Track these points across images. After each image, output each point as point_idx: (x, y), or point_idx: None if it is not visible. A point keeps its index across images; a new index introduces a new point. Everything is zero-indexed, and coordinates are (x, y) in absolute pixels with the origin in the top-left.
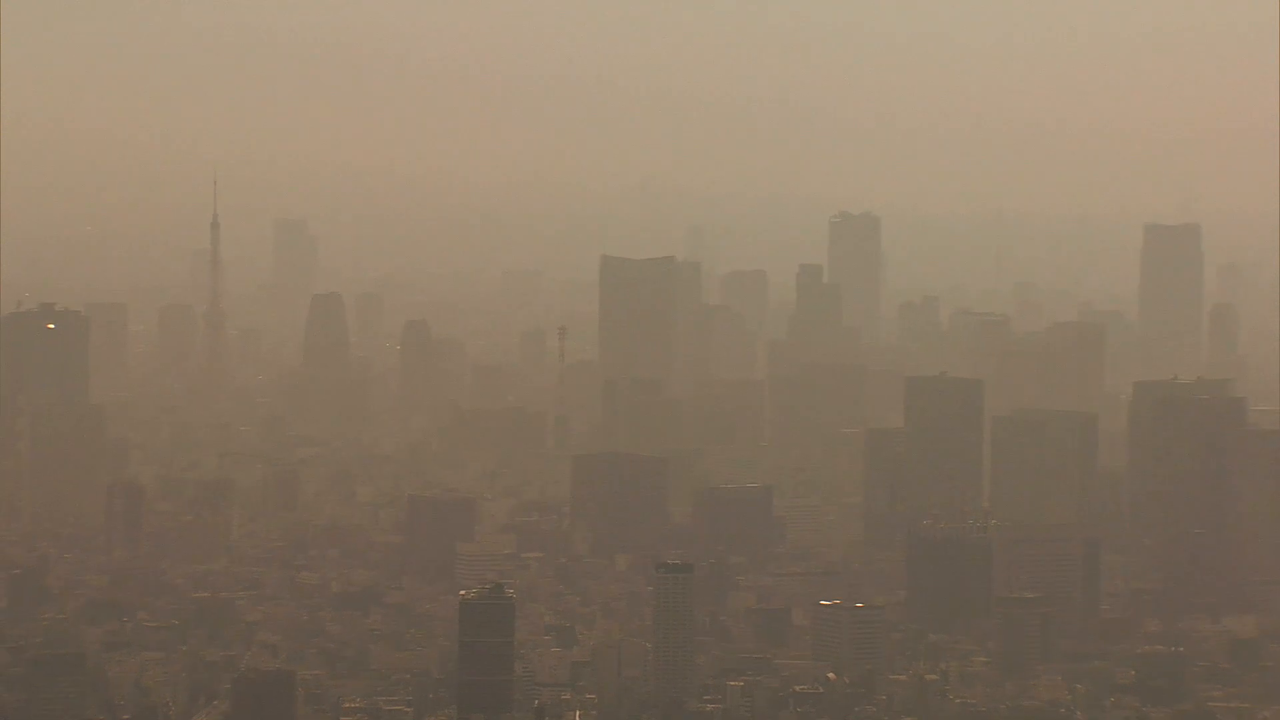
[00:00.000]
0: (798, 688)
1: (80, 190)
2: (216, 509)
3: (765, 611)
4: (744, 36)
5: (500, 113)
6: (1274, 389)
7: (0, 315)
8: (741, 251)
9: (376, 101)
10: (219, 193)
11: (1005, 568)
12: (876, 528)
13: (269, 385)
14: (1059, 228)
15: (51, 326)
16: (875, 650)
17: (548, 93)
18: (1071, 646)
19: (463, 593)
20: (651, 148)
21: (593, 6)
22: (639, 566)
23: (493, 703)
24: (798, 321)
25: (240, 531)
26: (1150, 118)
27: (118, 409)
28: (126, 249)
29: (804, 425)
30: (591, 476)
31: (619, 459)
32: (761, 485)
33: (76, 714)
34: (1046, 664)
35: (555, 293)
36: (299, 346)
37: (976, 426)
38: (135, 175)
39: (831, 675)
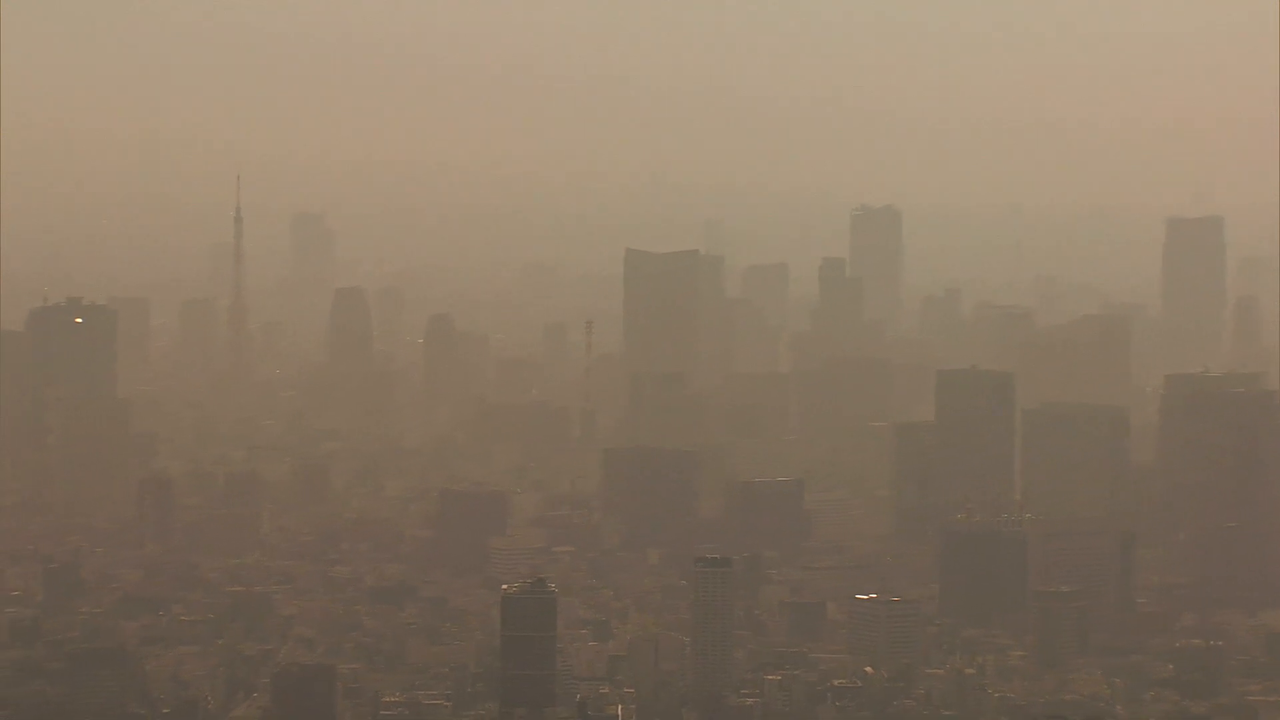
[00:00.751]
0: (835, 682)
1: (95, 185)
2: (246, 502)
3: (799, 605)
4: (764, 31)
5: (517, 107)
6: None
7: (26, 310)
8: (760, 245)
9: (393, 95)
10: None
11: (1040, 562)
12: (907, 521)
13: (292, 379)
14: (1078, 220)
15: (79, 321)
16: (912, 644)
17: (565, 87)
18: (1107, 641)
19: (505, 587)
20: (670, 141)
21: (613, 0)
22: (671, 560)
23: (535, 697)
24: (820, 315)
25: (270, 525)
26: (1169, 110)
27: (143, 403)
28: (144, 243)
29: (830, 419)
30: (621, 470)
31: (648, 453)
32: (792, 479)
33: (117, 708)
34: (1083, 658)
35: (575, 286)
36: (322, 341)
37: (1008, 420)
38: (152, 170)
39: (869, 669)
